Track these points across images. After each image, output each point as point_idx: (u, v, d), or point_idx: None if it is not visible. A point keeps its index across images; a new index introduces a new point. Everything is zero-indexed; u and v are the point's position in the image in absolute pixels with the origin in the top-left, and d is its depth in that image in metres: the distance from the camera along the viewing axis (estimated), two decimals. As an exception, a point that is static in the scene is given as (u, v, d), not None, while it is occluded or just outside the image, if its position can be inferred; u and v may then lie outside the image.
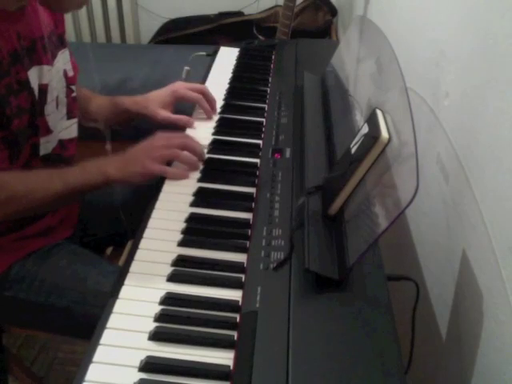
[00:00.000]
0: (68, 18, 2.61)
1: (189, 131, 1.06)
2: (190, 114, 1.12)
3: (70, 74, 1.05)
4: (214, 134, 1.05)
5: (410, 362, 0.76)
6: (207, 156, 0.97)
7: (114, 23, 2.66)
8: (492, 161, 0.70)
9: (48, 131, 0.96)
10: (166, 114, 1.11)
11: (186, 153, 0.93)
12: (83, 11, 2.61)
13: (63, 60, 1.02)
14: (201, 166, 0.94)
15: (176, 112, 1.13)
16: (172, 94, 1.13)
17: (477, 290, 0.72)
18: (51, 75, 0.96)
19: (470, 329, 0.74)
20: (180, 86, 1.14)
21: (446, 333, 0.86)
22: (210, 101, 1.14)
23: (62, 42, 1.03)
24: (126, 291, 0.69)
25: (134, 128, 1.14)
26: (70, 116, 1.04)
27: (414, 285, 0.74)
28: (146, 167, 0.89)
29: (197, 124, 1.09)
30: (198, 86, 1.16)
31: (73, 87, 1.05)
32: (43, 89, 0.94)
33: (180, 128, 1.08)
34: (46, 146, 0.97)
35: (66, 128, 1.03)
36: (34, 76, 0.91)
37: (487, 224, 0.70)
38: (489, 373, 0.68)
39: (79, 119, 1.09)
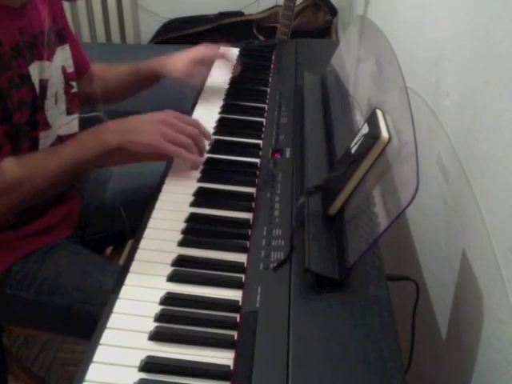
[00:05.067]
0: (68, 18, 2.61)
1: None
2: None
3: (69, 70, 1.05)
4: (214, 133, 1.05)
5: (410, 361, 0.76)
6: (207, 156, 0.97)
7: (114, 23, 2.66)
8: (492, 161, 0.70)
9: (47, 126, 0.97)
10: (182, 72, 1.14)
11: (195, 147, 0.90)
12: (83, 11, 2.62)
13: (62, 56, 1.02)
14: (201, 166, 0.94)
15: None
16: (192, 57, 1.17)
17: (477, 290, 0.72)
18: (50, 71, 0.96)
19: (470, 329, 0.74)
20: (200, 48, 1.20)
21: (445, 333, 0.86)
22: (229, 59, 1.23)
23: (60, 38, 1.03)
24: (126, 291, 0.69)
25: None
26: (69, 112, 1.05)
27: (414, 285, 0.75)
28: (157, 141, 0.84)
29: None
30: (216, 47, 1.23)
31: (72, 83, 1.05)
32: (43, 84, 0.94)
33: (196, 85, 1.15)
34: (45, 141, 0.97)
35: (65, 124, 1.03)
36: (34, 71, 0.91)
37: (487, 224, 0.70)
38: (489, 373, 0.68)
39: (90, 95, 1.11)
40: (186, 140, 0.89)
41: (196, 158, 0.91)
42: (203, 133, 0.95)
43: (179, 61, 1.15)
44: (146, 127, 0.86)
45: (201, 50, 1.19)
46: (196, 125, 0.94)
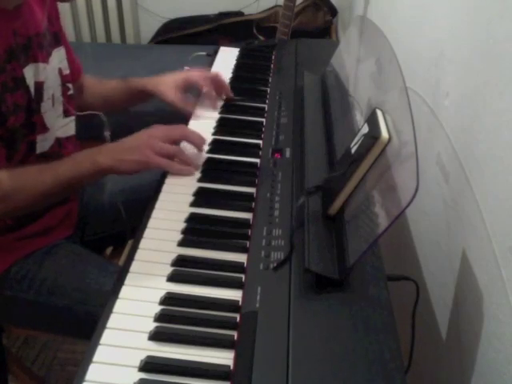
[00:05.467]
0: (68, 18, 2.61)
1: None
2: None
3: (66, 72, 1.05)
4: (214, 134, 1.05)
5: (410, 361, 0.76)
6: (207, 156, 0.97)
7: (114, 23, 2.66)
8: (492, 161, 0.70)
9: (44, 129, 0.96)
10: (174, 97, 1.12)
11: (187, 152, 0.93)
12: (83, 11, 2.61)
13: (58, 58, 1.02)
14: (201, 166, 0.94)
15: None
16: (185, 80, 1.15)
17: (477, 290, 0.72)
18: (47, 73, 0.96)
19: (470, 329, 0.74)
20: (194, 73, 1.17)
21: (445, 333, 0.86)
22: (223, 87, 1.18)
23: (56, 40, 1.02)
24: (126, 291, 0.69)
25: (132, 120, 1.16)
26: (66, 114, 1.05)
27: (414, 285, 0.75)
28: (148, 157, 0.88)
29: (197, 124, 1.09)
30: (210, 73, 1.19)
31: (69, 85, 1.05)
32: (39, 86, 0.94)
33: (183, 115, 1.11)
34: (43, 144, 0.97)
35: (62, 126, 1.03)
36: (29, 73, 0.91)
37: (487, 224, 0.70)
38: (489, 373, 0.68)
39: (78, 105, 1.10)
40: (173, 148, 0.91)
41: (187, 170, 0.92)
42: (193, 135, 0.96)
43: (171, 85, 1.14)
44: (135, 145, 0.89)
45: (194, 76, 1.17)
46: (183, 128, 0.96)
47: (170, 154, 0.91)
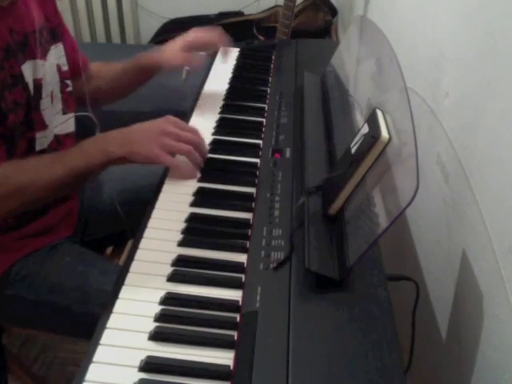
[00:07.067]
0: (68, 18, 2.61)
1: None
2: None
3: (64, 68, 1.04)
4: (214, 134, 1.05)
5: (410, 361, 0.76)
6: (207, 156, 0.96)
7: (114, 23, 2.67)
8: (492, 161, 0.70)
9: (44, 126, 0.96)
10: (179, 60, 1.13)
11: (195, 152, 0.91)
12: (83, 11, 2.62)
13: (56, 55, 1.01)
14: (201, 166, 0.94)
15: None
16: (187, 43, 1.15)
17: (477, 290, 0.72)
18: (45, 70, 0.96)
19: (470, 329, 0.74)
20: (193, 34, 1.17)
21: (446, 333, 0.86)
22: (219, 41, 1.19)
23: (54, 37, 1.02)
24: (126, 291, 0.69)
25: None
26: (65, 111, 1.04)
27: (414, 285, 0.75)
28: (155, 154, 0.86)
29: (197, 124, 1.09)
30: (209, 30, 1.18)
31: (67, 82, 1.05)
32: (38, 84, 0.93)
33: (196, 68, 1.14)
34: (42, 141, 0.96)
35: (61, 123, 1.03)
36: (28, 70, 0.90)
37: (487, 224, 0.70)
38: (489, 373, 0.68)
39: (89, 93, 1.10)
40: (186, 147, 0.90)
41: (191, 172, 0.91)
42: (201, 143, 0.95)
43: (175, 49, 1.14)
44: (146, 138, 0.88)
45: (192, 35, 1.16)
46: (195, 132, 0.94)
47: (177, 153, 0.90)
